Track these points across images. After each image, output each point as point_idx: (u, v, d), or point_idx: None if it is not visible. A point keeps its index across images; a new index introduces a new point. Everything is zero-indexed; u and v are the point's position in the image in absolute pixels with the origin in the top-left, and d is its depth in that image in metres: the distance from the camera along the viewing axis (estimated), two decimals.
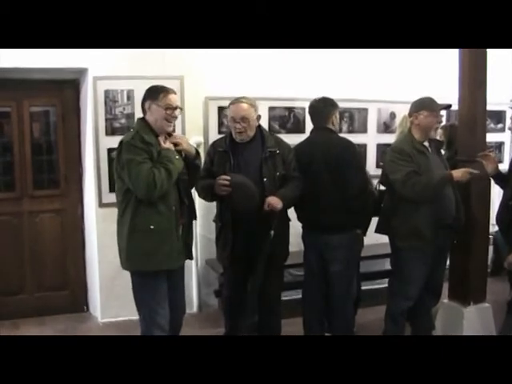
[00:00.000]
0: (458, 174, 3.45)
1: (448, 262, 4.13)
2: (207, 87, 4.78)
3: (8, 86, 4.51)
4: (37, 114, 4.83)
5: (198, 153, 3.36)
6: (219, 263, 3.94)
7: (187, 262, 3.42)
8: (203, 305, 5.02)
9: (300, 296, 4.08)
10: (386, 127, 5.55)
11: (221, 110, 4.80)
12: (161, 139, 3.13)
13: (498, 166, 3.65)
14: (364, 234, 3.92)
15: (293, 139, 4.16)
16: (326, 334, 3.99)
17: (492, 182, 3.84)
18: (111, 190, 4.59)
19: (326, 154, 3.65)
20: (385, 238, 3.82)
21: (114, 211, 4.11)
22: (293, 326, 4.01)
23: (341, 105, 3.90)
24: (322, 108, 3.76)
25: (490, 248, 4.79)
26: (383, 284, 5.03)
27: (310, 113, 3.85)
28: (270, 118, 5.08)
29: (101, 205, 4.65)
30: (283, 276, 3.93)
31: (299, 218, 3.86)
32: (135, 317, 3.35)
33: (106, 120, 4.59)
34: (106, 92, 4.56)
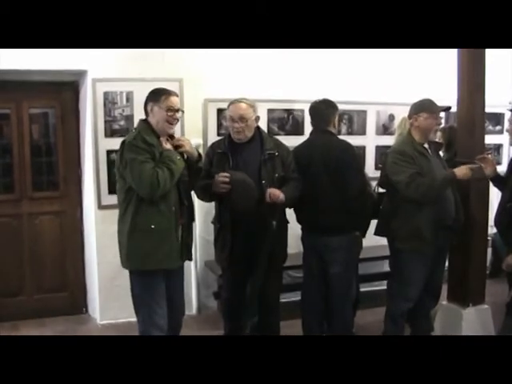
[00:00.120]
0: (460, 172, 3.46)
1: (447, 264, 4.14)
2: (206, 89, 4.79)
3: (7, 88, 4.52)
4: (36, 115, 4.83)
5: (200, 155, 3.38)
6: (218, 265, 3.94)
7: (186, 263, 3.43)
8: (202, 307, 5.02)
9: (299, 298, 4.08)
10: (384, 129, 5.56)
11: (220, 112, 4.80)
12: (162, 140, 3.16)
13: (496, 169, 3.66)
14: (363, 235, 3.92)
15: (292, 141, 4.16)
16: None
17: (490, 184, 3.85)
18: (110, 191, 4.60)
19: (326, 157, 3.65)
20: (383, 240, 3.83)
21: (113, 213, 4.11)
22: (292, 328, 4.01)
23: (340, 107, 3.90)
24: (324, 110, 3.77)
25: (489, 250, 4.80)
26: (382, 286, 5.04)
27: (311, 114, 3.84)
28: (269, 120, 5.08)
29: (100, 207, 4.65)
30: (282, 278, 3.93)
31: (298, 220, 3.86)
32: (134, 318, 3.35)
33: (105, 122, 4.59)
34: (105, 94, 4.57)
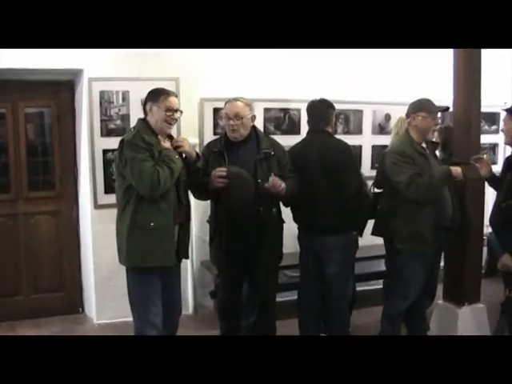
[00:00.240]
0: (455, 170, 3.47)
1: (442, 263, 4.15)
2: (202, 89, 4.79)
3: (3, 87, 4.51)
4: (32, 115, 4.82)
5: (198, 155, 3.40)
6: (213, 265, 3.94)
7: (183, 263, 3.45)
8: (199, 306, 5.02)
9: (295, 297, 4.08)
10: (381, 129, 5.56)
11: (216, 111, 4.80)
12: (161, 139, 3.19)
13: (491, 169, 3.67)
14: (360, 235, 3.93)
15: (288, 141, 4.16)
16: (322, 335, 4.00)
17: (486, 184, 3.86)
18: (106, 191, 4.61)
19: (323, 157, 3.65)
20: (379, 240, 3.83)
21: (110, 212, 4.11)
22: (288, 328, 4.02)
23: (336, 106, 3.90)
24: (323, 110, 3.76)
25: (485, 249, 4.81)
26: (378, 285, 5.05)
27: (309, 114, 3.82)
28: (266, 120, 5.08)
29: (96, 206, 4.65)
30: (278, 277, 3.93)
31: (295, 220, 3.86)
32: (131, 318, 3.35)
33: (101, 121, 4.58)
34: (102, 93, 4.56)
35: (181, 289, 3.53)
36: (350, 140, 4.02)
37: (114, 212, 3.37)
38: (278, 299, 3.91)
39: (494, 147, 6.18)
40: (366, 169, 5.29)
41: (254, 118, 3.62)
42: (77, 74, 4.63)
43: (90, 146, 4.59)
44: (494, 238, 4.13)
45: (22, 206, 4.79)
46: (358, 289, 4.58)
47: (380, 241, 3.85)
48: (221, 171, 3.36)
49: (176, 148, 3.25)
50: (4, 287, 4.75)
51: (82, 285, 5.03)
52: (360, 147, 5.44)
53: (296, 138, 4.34)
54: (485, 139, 4.99)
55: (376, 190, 4.02)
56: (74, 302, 5.00)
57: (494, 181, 3.67)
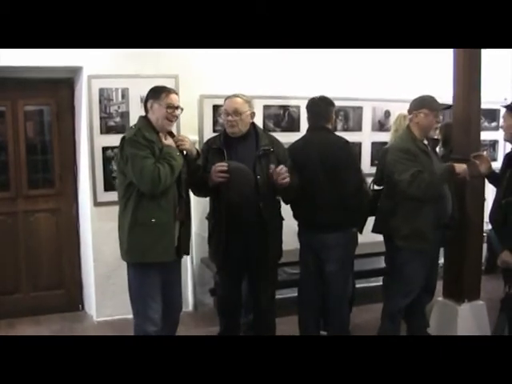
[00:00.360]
0: (459, 167, 3.47)
1: (442, 260, 4.15)
2: (202, 86, 4.78)
3: (2, 85, 4.51)
4: (31, 113, 4.82)
5: (198, 153, 3.42)
6: (212, 262, 3.95)
7: (182, 260, 3.46)
8: (198, 303, 5.03)
9: (295, 294, 4.08)
10: (380, 125, 5.56)
11: (216, 108, 4.79)
12: (162, 136, 3.22)
13: (491, 166, 3.67)
14: (360, 232, 3.93)
15: (287, 138, 4.17)
16: (322, 333, 4.00)
17: (486, 180, 3.86)
18: (106, 188, 4.61)
19: (323, 154, 3.64)
20: (378, 237, 3.83)
21: (109, 210, 4.12)
22: (287, 325, 4.02)
23: (336, 103, 3.89)
24: (323, 107, 3.76)
25: (484, 246, 4.82)
26: (377, 282, 5.06)
27: (309, 111, 3.82)
28: (265, 117, 5.07)
29: (96, 204, 4.64)
30: (277, 275, 3.93)
31: (295, 217, 3.86)
32: (131, 316, 3.36)
33: (101, 119, 4.58)
34: (101, 90, 4.55)
35: (181, 286, 3.54)
36: (350, 137, 4.02)
37: (113, 209, 3.37)
38: (277, 296, 3.90)
39: (493, 144, 6.19)
40: (366, 166, 5.29)
41: (253, 114, 3.61)
42: (76, 71, 4.63)
43: (89, 144, 4.58)
44: (493, 235, 4.15)
45: (22, 204, 4.79)
46: (357, 286, 4.59)
47: (380, 238, 3.85)
48: (221, 166, 3.36)
49: (177, 145, 3.27)
50: (4, 285, 4.75)
51: (82, 282, 5.04)
52: (360, 144, 5.44)
53: (295, 135, 4.33)
54: (485, 136, 4.99)
55: (376, 188, 4.02)
56: (73, 300, 5.01)
57: (494, 178, 3.67)
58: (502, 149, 6.01)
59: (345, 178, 3.63)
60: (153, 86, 3.34)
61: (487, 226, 4.27)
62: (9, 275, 4.78)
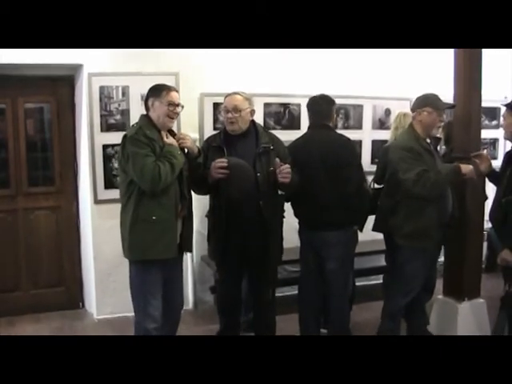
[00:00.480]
0: (465, 168, 3.47)
1: (442, 258, 4.15)
2: (202, 83, 4.78)
3: (2, 83, 4.51)
4: (31, 110, 4.82)
5: (199, 151, 3.43)
6: (211, 259, 3.95)
7: (184, 258, 3.47)
8: (199, 301, 5.03)
9: (295, 292, 4.08)
10: (381, 124, 5.56)
11: (216, 106, 4.79)
12: (163, 134, 3.24)
13: (491, 164, 3.67)
14: (360, 230, 3.93)
15: (288, 136, 4.16)
16: (322, 331, 4.00)
17: (486, 179, 3.86)
18: (106, 186, 4.62)
19: (324, 152, 3.64)
20: (379, 235, 3.84)
21: (110, 207, 4.12)
22: (288, 323, 4.03)
23: (336, 101, 3.89)
24: (324, 105, 3.76)
25: (485, 244, 4.82)
26: (377, 280, 5.06)
27: (310, 110, 3.81)
28: (266, 115, 5.08)
29: (96, 201, 4.65)
30: (277, 273, 3.93)
31: (296, 215, 3.86)
32: (131, 313, 3.36)
33: (101, 116, 4.58)
34: (101, 88, 4.55)
35: (183, 283, 3.55)
36: (350, 135, 4.01)
37: (113, 207, 3.37)
38: (277, 294, 3.90)
39: (494, 142, 6.19)
40: (366, 164, 5.28)
41: (253, 112, 3.61)
42: (76, 69, 4.63)
43: (89, 141, 4.58)
44: (493, 233, 4.14)
45: (22, 202, 4.79)
46: (357, 284, 4.59)
47: (380, 236, 3.86)
48: (221, 162, 3.36)
49: (178, 143, 3.29)
50: (4, 283, 4.75)
51: (82, 280, 5.04)
52: (360, 142, 5.43)
53: (296, 132, 4.34)
54: (485, 134, 4.98)
55: (376, 186, 4.02)
56: (73, 297, 5.01)
57: (494, 176, 3.67)
58: (503, 147, 6.01)
59: (346, 176, 3.63)
60: (153, 83, 3.35)
61: (487, 225, 4.27)
62: (9, 273, 4.78)
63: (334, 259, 3.71)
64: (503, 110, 3.62)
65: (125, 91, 4.60)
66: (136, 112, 4.36)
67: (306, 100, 3.86)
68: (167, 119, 3.23)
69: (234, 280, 3.71)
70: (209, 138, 3.79)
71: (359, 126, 5.49)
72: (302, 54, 4.93)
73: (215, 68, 4.80)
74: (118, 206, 3.33)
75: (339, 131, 4.08)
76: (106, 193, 4.59)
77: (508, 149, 3.73)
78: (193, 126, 4.74)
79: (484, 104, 4.05)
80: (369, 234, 3.93)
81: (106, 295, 4.71)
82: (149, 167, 3.05)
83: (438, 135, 4.01)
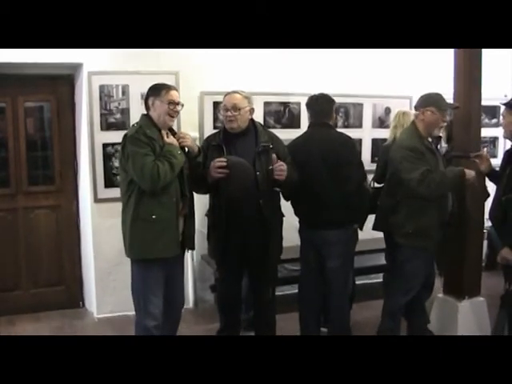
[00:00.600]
0: (469, 173, 3.48)
1: None
2: (202, 82, 4.78)
3: (2, 82, 4.50)
4: (31, 109, 4.82)
5: (199, 151, 3.44)
6: (211, 258, 3.95)
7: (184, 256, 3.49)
8: (199, 300, 5.03)
9: (295, 291, 4.09)
10: (381, 122, 5.56)
11: (216, 105, 4.78)
12: (164, 134, 3.25)
13: (491, 164, 3.67)
14: (360, 229, 3.93)
15: (288, 134, 4.16)
16: (322, 329, 4.00)
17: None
18: (106, 185, 4.62)
19: (325, 150, 3.64)
20: (379, 233, 3.84)
21: (110, 206, 4.11)
22: (288, 321, 4.03)
23: (336, 100, 3.89)
24: (324, 104, 3.75)
25: (485, 243, 4.82)
26: (377, 279, 5.07)
27: (310, 109, 3.80)
28: (266, 113, 5.08)
29: (96, 200, 4.65)
30: (277, 271, 3.94)
31: (296, 214, 3.86)
32: (131, 312, 3.37)
33: (101, 115, 4.58)
34: (101, 87, 4.55)
35: (184, 281, 3.57)
36: (350, 133, 4.01)
37: (114, 206, 3.37)
38: (277, 293, 3.91)
39: (494, 141, 6.18)
40: (366, 162, 5.25)
41: (252, 111, 3.61)
42: (76, 68, 4.62)
43: (89, 140, 4.58)
44: (493, 232, 4.14)
45: (22, 201, 4.79)
46: (357, 282, 4.59)
47: (379, 234, 3.86)
48: (220, 161, 3.37)
49: (179, 142, 3.30)
50: (4, 282, 4.75)
51: (82, 279, 5.04)
52: (360, 141, 5.43)
53: (296, 131, 4.34)
54: (485, 133, 4.98)
55: (376, 185, 4.01)
56: (74, 296, 5.01)
57: (494, 175, 3.67)
58: (502, 145, 6.01)
59: (347, 175, 3.63)
60: (153, 82, 3.37)
61: (488, 223, 4.27)
62: (9, 272, 4.78)
63: (335, 258, 3.71)
64: (503, 108, 3.62)
65: (125, 90, 4.60)
66: (136, 111, 4.37)
67: (306, 99, 3.86)
68: (168, 118, 3.25)
69: (234, 279, 3.71)
70: (208, 137, 3.80)
71: (359, 125, 5.50)
72: (302, 53, 4.91)
73: (215, 67, 4.80)
74: (118, 205, 3.34)
75: (339, 130, 4.08)
76: (106, 191, 4.59)
77: (508, 147, 3.73)
78: (193, 125, 4.74)
79: (484, 102, 4.05)
80: (369, 233, 3.93)
81: (106, 294, 4.71)
82: (148, 166, 3.07)
83: (440, 134, 4.00)
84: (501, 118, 3.75)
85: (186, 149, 3.37)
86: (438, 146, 3.95)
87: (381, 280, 4.79)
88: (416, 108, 3.63)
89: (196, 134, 4.68)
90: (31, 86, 4.67)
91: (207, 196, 3.73)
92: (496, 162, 3.95)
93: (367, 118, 5.52)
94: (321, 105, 3.75)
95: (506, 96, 5.35)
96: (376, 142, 5.45)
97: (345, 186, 3.62)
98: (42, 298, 4.84)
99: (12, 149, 4.70)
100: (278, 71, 5.00)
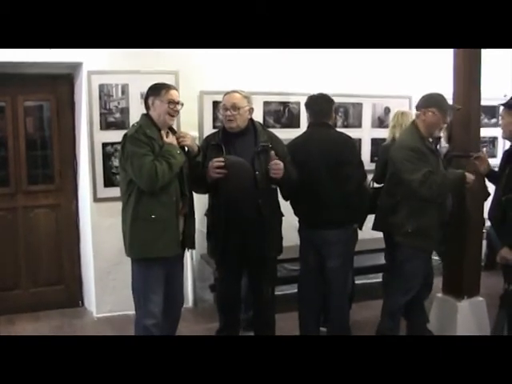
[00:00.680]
0: (469, 177, 3.50)
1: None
2: (202, 82, 4.78)
3: (2, 81, 4.50)
4: (31, 108, 4.82)
5: (199, 150, 3.45)
6: (211, 258, 3.95)
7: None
8: (198, 299, 5.03)
9: (294, 291, 4.08)
10: (380, 122, 5.57)
11: (216, 104, 4.78)
12: (163, 134, 3.26)
13: (489, 165, 3.67)
14: (360, 228, 3.93)
15: (287, 134, 4.17)
16: (322, 329, 4.00)
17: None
18: (106, 184, 4.62)
19: (325, 150, 3.64)
20: (378, 233, 3.84)
21: (109, 206, 4.11)
22: (287, 321, 4.03)
23: (336, 100, 3.89)
24: (323, 104, 3.75)
25: (484, 242, 4.82)
26: (377, 279, 5.07)
27: (310, 108, 3.80)
28: (265, 113, 5.08)
29: (95, 199, 4.65)
30: (277, 271, 3.94)
31: (296, 214, 3.86)
32: (130, 311, 3.37)
33: (101, 114, 4.58)
34: (101, 86, 4.55)
35: (183, 280, 3.58)
36: (350, 133, 4.01)
37: (113, 205, 3.38)
38: (277, 292, 3.91)
39: (493, 140, 6.19)
40: (366, 162, 5.24)
41: (251, 110, 3.61)
42: (76, 67, 4.62)
43: (89, 140, 4.58)
44: (493, 232, 4.15)
45: (22, 200, 4.79)
46: (357, 282, 4.59)
47: (379, 234, 3.86)
48: (218, 161, 3.37)
49: (178, 142, 3.31)
50: (3, 281, 4.75)
51: (82, 278, 5.04)
52: (359, 140, 5.43)
53: (295, 131, 4.35)
54: (484, 132, 4.98)
55: (375, 185, 4.01)
56: (73, 296, 5.01)
57: (493, 176, 3.67)
58: (502, 145, 6.02)
59: (347, 174, 3.62)
60: (153, 82, 3.37)
61: (487, 223, 4.28)
62: (8, 271, 4.78)
63: (335, 257, 3.71)
64: (501, 109, 3.62)
65: (124, 89, 4.60)
66: (135, 110, 4.37)
67: (306, 98, 3.86)
68: (168, 117, 3.26)
69: (233, 278, 3.71)
70: (208, 136, 3.80)
71: (359, 125, 5.50)
72: (302, 53, 4.91)
73: (215, 66, 4.80)
74: (117, 205, 3.35)
75: (339, 129, 4.08)
76: (106, 191, 4.59)
77: (507, 147, 3.73)
78: (192, 125, 4.73)
79: (483, 102, 4.05)
80: (368, 233, 3.93)
81: (106, 293, 4.72)
82: (146, 167, 3.08)
83: (441, 134, 4.00)
84: (500, 118, 3.75)
85: (186, 148, 3.38)
86: (438, 146, 3.94)
87: (380, 280, 4.80)
88: (417, 108, 3.62)
89: (195, 134, 4.68)
90: (31, 85, 4.67)
91: (207, 196, 3.73)
92: (495, 161, 3.96)
93: (367, 118, 5.53)
94: (320, 105, 3.75)
95: (505, 96, 5.36)
96: (375, 142, 5.46)
97: (345, 185, 3.62)
98: (42, 298, 4.84)
99: (12, 148, 4.70)
100: (278, 71, 5.00)
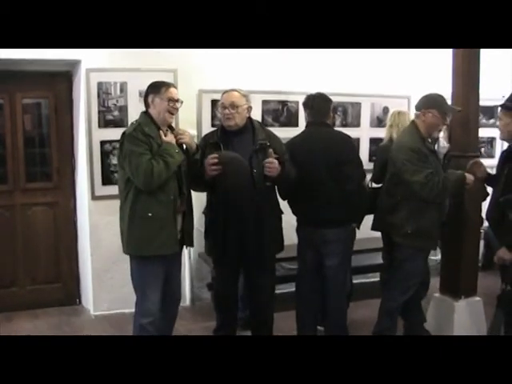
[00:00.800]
0: (469, 178, 3.51)
1: (439, 256, 4.16)
2: (201, 80, 4.78)
3: (0, 78, 4.48)
4: (29, 106, 4.81)
5: (197, 148, 3.46)
6: (209, 256, 3.95)
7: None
8: (196, 298, 5.03)
9: (292, 289, 4.08)
10: (379, 121, 5.57)
11: (214, 102, 4.78)
12: (162, 132, 3.27)
13: (486, 170, 3.68)
14: (358, 227, 3.94)
15: (286, 133, 4.17)
16: (319, 328, 4.01)
17: None
18: (104, 182, 4.61)
19: (325, 149, 3.63)
20: (376, 233, 3.84)
21: (107, 204, 4.10)
22: (285, 320, 4.04)
23: (335, 99, 3.90)
24: (321, 103, 3.75)
25: (481, 243, 4.82)
26: (374, 278, 5.07)
27: (308, 108, 3.80)
28: (264, 112, 5.08)
29: (93, 197, 4.64)
30: (275, 270, 3.94)
31: (294, 213, 3.86)
32: (127, 310, 3.37)
33: (99, 112, 4.57)
34: (99, 84, 4.54)
35: (181, 278, 3.58)
36: (348, 132, 4.01)
37: (111, 203, 3.38)
38: (275, 291, 3.90)
39: (491, 141, 6.20)
40: (364, 161, 5.24)
41: (250, 109, 3.61)
42: (74, 64, 4.61)
43: (87, 137, 4.58)
44: (491, 232, 4.16)
45: (20, 197, 4.78)
46: (354, 281, 4.59)
47: (377, 234, 3.86)
48: (212, 158, 3.37)
49: (177, 139, 3.32)
50: (1, 278, 4.74)
51: (79, 276, 5.03)
52: (358, 140, 5.43)
53: (294, 129, 4.34)
54: (482, 133, 5.00)
55: (374, 185, 4.01)
56: (70, 294, 5.01)
57: (490, 179, 3.69)
58: (500, 145, 6.02)
59: (347, 173, 3.62)
60: (151, 80, 3.38)
61: (485, 223, 4.29)
62: (6, 269, 4.77)
63: (334, 256, 3.71)
64: (499, 110, 3.62)
65: (123, 87, 4.59)
66: (134, 108, 4.36)
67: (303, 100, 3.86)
68: (167, 115, 3.28)
69: (231, 277, 3.71)
70: (206, 135, 3.80)
71: (357, 124, 5.51)
72: (301, 52, 4.90)
73: (213, 65, 4.79)
74: (115, 203, 3.35)
75: (337, 129, 4.08)
76: (104, 189, 4.59)
77: (505, 147, 3.73)
78: (191, 123, 4.73)
79: (481, 103, 4.06)
80: (366, 232, 3.93)
81: (103, 291, 4.71)
82: (143, 166, 3.09)
83: (441, 135, 4.01)
84: (497, 119, 3.76)
85: (184, 146, 3.38)
86: (436, 147, 3.95)
87: (378, 279, 4.80)
88: (417, 108, 3.62)
89: (194, 132, 4.67)
90: (29, 82, 4.66)
91: (204, 194, 3.73)
92: (493, 162, 3.96)
93: (365, 118, 5.54)
94: (318, 104, 3.75)
95: (503, 97, 5.35)
96: (374, 142, 5.46)
97: (345, 184, 3.62)
98: (39, 295, 4.84)
99: (10, 145, 4.68)
100: (277, 70, 5.00)
